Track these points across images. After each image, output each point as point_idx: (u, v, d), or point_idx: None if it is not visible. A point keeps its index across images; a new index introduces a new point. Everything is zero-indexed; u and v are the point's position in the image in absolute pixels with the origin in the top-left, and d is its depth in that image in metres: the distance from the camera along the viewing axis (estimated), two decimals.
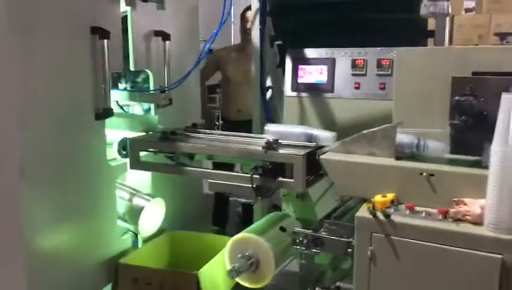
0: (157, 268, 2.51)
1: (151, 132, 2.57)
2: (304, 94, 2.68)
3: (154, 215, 2.78)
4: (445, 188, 1.86)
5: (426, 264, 1.76)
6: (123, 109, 3.04)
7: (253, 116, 2.96)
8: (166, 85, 2.77)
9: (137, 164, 2.51)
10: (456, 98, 1.94)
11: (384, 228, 1.81)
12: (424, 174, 1.88)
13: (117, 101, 2.95)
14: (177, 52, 2.91)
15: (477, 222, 1.72)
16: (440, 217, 1.79)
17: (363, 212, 1.87)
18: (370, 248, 1.84)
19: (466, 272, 1.69)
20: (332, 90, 2.61)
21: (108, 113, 2.43)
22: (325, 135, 2.22)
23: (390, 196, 1.93)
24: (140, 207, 2.69)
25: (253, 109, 2.95)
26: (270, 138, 2.28)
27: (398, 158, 2.00)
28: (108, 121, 2.62)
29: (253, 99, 2.94)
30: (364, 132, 2.12)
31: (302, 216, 2.47)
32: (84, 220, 2.44)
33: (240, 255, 2.30)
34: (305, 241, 2.02)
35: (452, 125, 1.96)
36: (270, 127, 2.33)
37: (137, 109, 3.19)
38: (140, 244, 2.87)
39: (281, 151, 2.17)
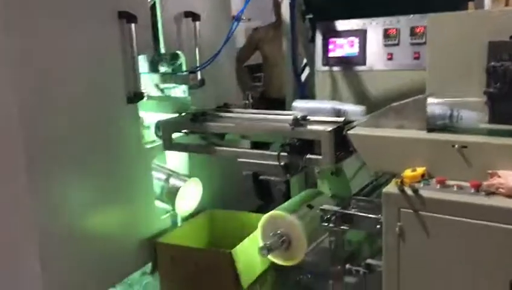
0: (193, 247, 2.55)
1: (183, 113, 2.59)
2: (335, 68, 2.61)
3: (191, 195, 2.82)
4: (479, 160, 1.77)
5: (457, 240, 1.69)
6: (163, 92, 3.06)
7: (287, 93, 2.92)
8: (198, 66, 2.77)
9: (170, 145, 2.55)
10: (493, 64, 1.83)
11: (412, 203, 1.75)
12: (457, 146, 1.80)
13: (157, 84, 2.98)
14: (207, 32, 2.90)
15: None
16: (472, 190, 1.71)
17: (390, 187, 1.81)
18: (398, 224, 1.78)
19: (499, 248, 1.61)
20: (364, 63, 2.52)
21: (139, 96, 2.47)
22: (354, 109, 2.17)
23: (420, 170, 1.86)
24: (176, 187, 2.73)
25: (286, 86, 2.90)
26: (298, 114, 2.25)
27: (429, 131, 1.92)
28: (147, 104, 2.67)
29: (286, 76, 2.89)
30: (394, 104, 2.05)
31: (337, 193, 2.44)
32: (122, 201, 2.50)
33: (271, 233, 2.30)
34: (333, 218, 1.99)
35: (488, 93, 1.85)
36: (298, 104, 2.29)
37: (178, 91, 3.22)
38: (180, 224, 2.92)
39: (308, 127, 2.13)
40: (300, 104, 2.29)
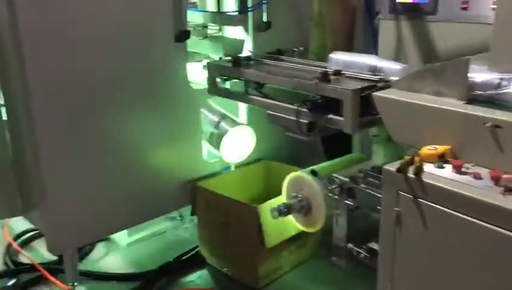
0: (224, 195, 2.49)
1: (230, 57, 2.45)
2: (402, 17, 2.21)
3: (240, 142, 2.71)
4: None
5: (458, 240, 1.37)
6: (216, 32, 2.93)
7: (354, 43, 2.59)
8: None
9: (214, 89, 2.46)
10: None
11: (413, 187, 1.45)
12: (489, 124, 1.42)
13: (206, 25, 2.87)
14: None
15: None
16: (490, 183, 1.36)
17: (393, 164, 1.52)
18: (396, 209, 1.50)
19: (508, 259, 1.27)
20: (434, 12, 2.09)
21: (185, 35, 2.39)
22: (391, 68, 1.84)
23: (441, 148, 1.52)
24: (223, 132, 2.65)
25: (355, 35, 2.57)
26: (333, 68, 1.99)
27: (469, 102, 1.55)
28: (201, 44, 2.60)
29: (356, 23, 2.56)
30: (432, 64, 1.69)
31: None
32: (168, 142, 2.50)
33: (293, 194, 2.13)
34: (337, 189, 1.75)
35: None
36: (334, 55, 2.01)
37: (234, 32, 3.02)
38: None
39: (333, 84, 1.87)
40: (336, 56, 2.00)
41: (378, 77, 1.85)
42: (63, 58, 2.06)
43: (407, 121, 1.65)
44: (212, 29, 2.92)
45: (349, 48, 2.62)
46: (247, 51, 2.57)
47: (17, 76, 2.02)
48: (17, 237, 2.96)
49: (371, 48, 2.55)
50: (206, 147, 2.74)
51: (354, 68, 1.93)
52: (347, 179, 1.79)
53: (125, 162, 2.37)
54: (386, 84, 1.77)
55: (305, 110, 1.91)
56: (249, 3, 2.59)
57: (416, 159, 1.49)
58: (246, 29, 2.61)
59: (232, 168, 2.87)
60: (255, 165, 2.85)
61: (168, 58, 2.42)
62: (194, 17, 2.66)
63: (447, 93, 1.61)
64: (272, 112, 2.11)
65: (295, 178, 2.15)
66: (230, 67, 2.31)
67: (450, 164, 1.47)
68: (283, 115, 2.04)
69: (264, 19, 2.69)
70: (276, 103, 2.11)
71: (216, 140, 2.69)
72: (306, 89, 1.93)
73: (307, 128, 1.93)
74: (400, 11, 2.21)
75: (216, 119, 2.72)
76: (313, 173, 1.99)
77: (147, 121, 2.39)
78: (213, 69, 2.42)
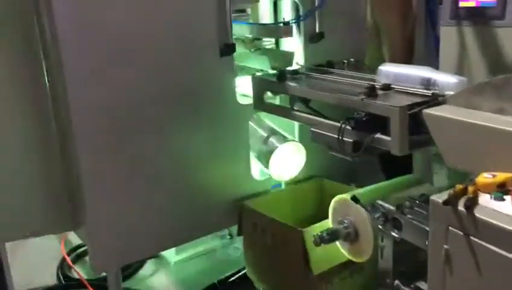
0: (270, 216, 2.34)
1: (276, 70, 2.32)
2: (465, 22, 1.97)
3: (290, 159, 2.57)
4: None
5: None
6: (262, 45, 2.81)
7: (416, 51, 2.36)
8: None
9: (259, 105, 2.34)
10: None
11: (463, 223, 1.24)
12: None
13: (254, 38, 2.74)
14: None
15: None
16: None
17: (442, 195, 1.31)
18: (445, 246, 1.29)
19: None
20: (502, 16, 1.84)
21: (230, 49, 2.29)
22: (447, 81, 1.62)
23: (502, 176, 1.30)
24: (272, 148, 2.52)
25: (417, 43, 2.34)
26: (382, 81, 1.80)
27: None
28: (249, 57, 2.50)
29: (417, 32, 2.34)
30: (494, 77, 1.46)
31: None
32: (213, 159, 2.41)
33: (339, 219, 1.96)
34: (381, 219, 1.56)
35: None
36: (384, 67, 1.82)
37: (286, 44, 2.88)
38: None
39: (382, 99, 1.68)
40: (386, 68, 1.81)
41: (431, 92, 1.63)
42: (105, 75, 2.02)
43: (463, 142, 1.43)
44: (267, 41, 2.81)
45: (408, 59, 2.41)
46: (295, 63, 2.43)
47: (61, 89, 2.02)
48: (73, 250, 3.01)
49: (433, 59, 2.32)
50: (255, 164, 2.63)
51: (406, 82, 1.73)
52: (392, 208, 1.59)
53: (170, 180, 2.30)
54: (440, 100, 1.56)
55: (349, 128, 1.73)
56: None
57: (470, 188, 1.28)
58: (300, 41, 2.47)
59: (283, 186, 2.74)
60: (307, 183, 2.68)
61: (213, 73, 2.32)
62: (241, 30, 2.56)
63: (511, 111, 1.38)
64: (315, 129, 1.95)
65: (341, 201, 1.97)
66: (274, 81, 2.18)
67: (511, 195, 1.24)
68: (326, 133, 1.88)
69: (317, 29, 2.55)
70: (319, 119, 1.95)
71: (265, 156, 2.56)
72: (351, 105, 1.76)
73: (352, 148, 1.75)
74: (463, 16, 1.98)
75: (265, 134, 2.59)
76: (354, 199, 1.80)
77: (192, 138, 2.31)
78: (258, 83, 2.30)
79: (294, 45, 2.58)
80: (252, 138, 2.62)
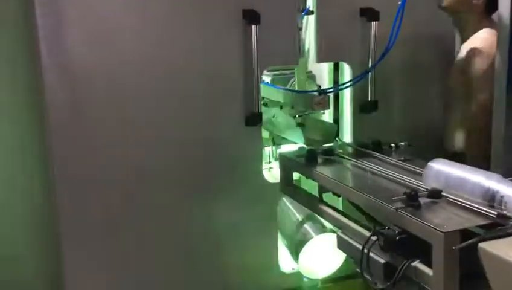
0: None
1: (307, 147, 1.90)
2: None
3: (327, 253, 2.11)
4: None
5: None
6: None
7: (493, 137, 1.82)
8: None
9: (286, 188, 1.92)
10: None
11: None
12: None
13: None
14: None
15: None
16: None
17: None
18: None
19: None
20: None
21: (257, 119, 1.93)
22: None
23: None
24: (307, 238, 2.08)
25: (494, 123, 1.82)
26: (430, 184, 1.32)
27: None
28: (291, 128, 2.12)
29: (495, 105, 1.81)
30: None
31: None
32: (234, 241, 2.06)
33: None
34: None
35: None
36: (435, 164, 1.34)
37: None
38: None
39: (424, 213, 1.21)
40: (437, 166, 1.32)
41: (496, 211, 1.14)
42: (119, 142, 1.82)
43: None
44: None
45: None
46: (336, 139, 2.00)
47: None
48: None
49: None
50: (285, 253, 2.20)
51: (462, 189, 1.24)
52: None
53: (181, 262, 1.99)
54: (507, 228, 1.07)
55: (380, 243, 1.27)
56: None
57: None
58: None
59: (319, 284, 2.26)
60: (345, 283, 2.20)
61: (236, 143, 2.00)
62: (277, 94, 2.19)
63: None
64: (341, 235, 1.50)
65: None
66: (301, 163, 1.76)
67: None
68: (354, 243, 1.42)
69: (369, 97, 2.12)
70: (346, 221, 1.49)
71: (295, 246, 2.13)
72: (382, 215, 1.30)
73: (383, 272, 1.29)
74: None
75: (299, 218, 2.17)
76: None
77: (209, 215, 2.00)
78: (285, 163, 1.90)
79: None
80: (284, 220, 2.21)
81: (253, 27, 1.85)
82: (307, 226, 2.14)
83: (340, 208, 2.09)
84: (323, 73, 2.40)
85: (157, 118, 1.87)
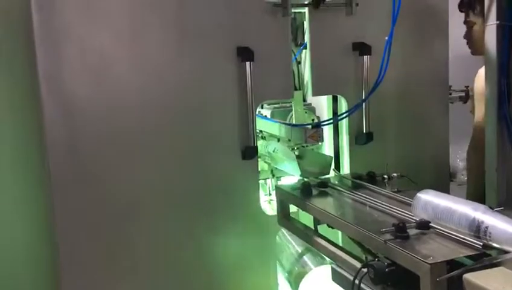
0: None
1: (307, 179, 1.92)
2: None
3: (323, 286, 2.08)
4: None
5: None
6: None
7: (486, 153, 1.82)
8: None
9: (283, 220, 1.94)
10: None
11: None
12: None
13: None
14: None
15: None
16: None
17: None
18: None
19: None
20: None
21: (252, 152, 1.96)
22: (503, 230, 1.12)
23: None
24: (305, 270, 2.07)
25: (486, 139, 1.82)
26: (419, 215, 1.34)
27: None
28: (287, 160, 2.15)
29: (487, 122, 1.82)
30: None
31: None
32: (232, 274, 2.05)
33: None
34: None
35: None
36: (423, 195, 1.35)
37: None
38: None
39: (413, 244, 1.22)
40: (426, 197, 1.34)
41: (482, 242, 1.15)
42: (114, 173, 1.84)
43: None
44: None
45: None
46: (332, 171, 2.02)
47: None
48: None
49: None
50: (284, 285, 2.19)
51: (449, 221, 1.26)
52: None
53: None
54: (492, 259, 1.08)
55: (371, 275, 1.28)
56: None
57: None
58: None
59: None
60: None
61: (233, 176, 2.02)
62: (270, 127, 2.22)
63: None
64: (335, 267, 1.51)
65: None
66: (297, 195, 1.78)
67: None
68: (347, 275, 1.43)
69: (364, 129, 2.15)
70: (340, 254, 1.50)
71: (295, 278, 2.13)
72: (372, 247, 1.32)
73: None
74: None
75: (298, 250, 2.18)
76: None
77: (206, 248, 2.00)
78: (281, 195, 1.92)
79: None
80: (283, 252, 2.22)
81: (247, 64, 1.90)
82: (306, 258, 2.15)
83: (340, 240, 2.11)
84: (323, 104, 2.47)
85: (154, 151, 1.90)
